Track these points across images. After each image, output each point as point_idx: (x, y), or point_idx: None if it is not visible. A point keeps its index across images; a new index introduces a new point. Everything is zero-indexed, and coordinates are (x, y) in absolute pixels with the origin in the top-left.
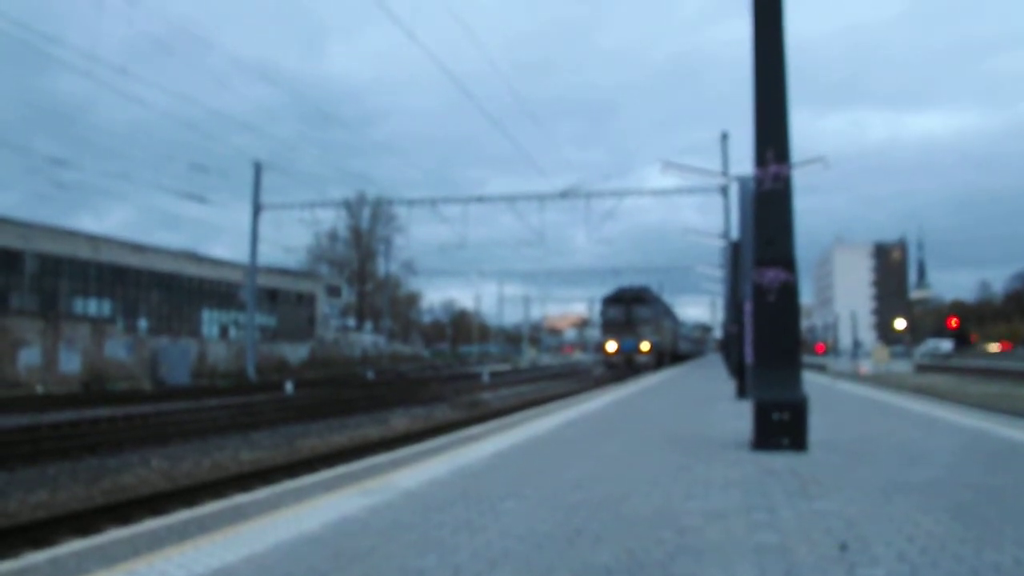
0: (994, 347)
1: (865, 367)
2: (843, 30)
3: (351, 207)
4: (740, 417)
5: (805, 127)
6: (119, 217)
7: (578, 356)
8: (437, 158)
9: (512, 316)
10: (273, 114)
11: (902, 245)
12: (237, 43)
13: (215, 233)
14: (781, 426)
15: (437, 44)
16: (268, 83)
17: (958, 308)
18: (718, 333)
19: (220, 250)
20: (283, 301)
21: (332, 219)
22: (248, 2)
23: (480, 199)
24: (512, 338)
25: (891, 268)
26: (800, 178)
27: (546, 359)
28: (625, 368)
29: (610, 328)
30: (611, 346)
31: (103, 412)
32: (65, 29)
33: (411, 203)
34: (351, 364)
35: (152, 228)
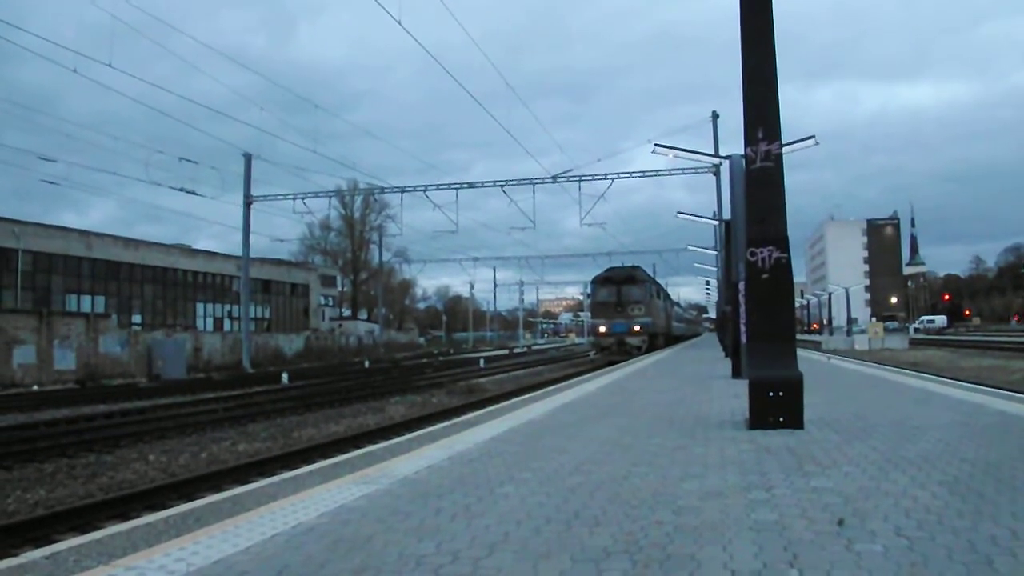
0: (976, 321)
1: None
2: None
3: (343, 196)
4: (736, 397)
5: (794, 100)
6: (101, 212)
7: (574, 339)
8: (420, 141)
9: (506, 301)
10: (247, 100)
11: (894, 221)
12: (201, 27)
13: (201, 225)
14: (777, 404)
15: (413, 24)
16: (240, 68)
17: (951, 283)
18: (713, 313)
19: (206, 242)
20: (277, 292)
21: (323, 207)
22: None
23: (471, 185)
24: (507, 323)
25: (884, 244)
26: (790, 155)
27: (541, 343)
28: (617, 350)
29: (600, 310)
30: (602, 328)
31: (100, 408)
32: (24, 16)
33: (402, 190)
34: (347, 353)
35: (135, 222)
